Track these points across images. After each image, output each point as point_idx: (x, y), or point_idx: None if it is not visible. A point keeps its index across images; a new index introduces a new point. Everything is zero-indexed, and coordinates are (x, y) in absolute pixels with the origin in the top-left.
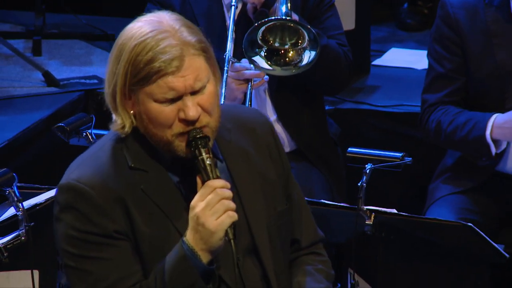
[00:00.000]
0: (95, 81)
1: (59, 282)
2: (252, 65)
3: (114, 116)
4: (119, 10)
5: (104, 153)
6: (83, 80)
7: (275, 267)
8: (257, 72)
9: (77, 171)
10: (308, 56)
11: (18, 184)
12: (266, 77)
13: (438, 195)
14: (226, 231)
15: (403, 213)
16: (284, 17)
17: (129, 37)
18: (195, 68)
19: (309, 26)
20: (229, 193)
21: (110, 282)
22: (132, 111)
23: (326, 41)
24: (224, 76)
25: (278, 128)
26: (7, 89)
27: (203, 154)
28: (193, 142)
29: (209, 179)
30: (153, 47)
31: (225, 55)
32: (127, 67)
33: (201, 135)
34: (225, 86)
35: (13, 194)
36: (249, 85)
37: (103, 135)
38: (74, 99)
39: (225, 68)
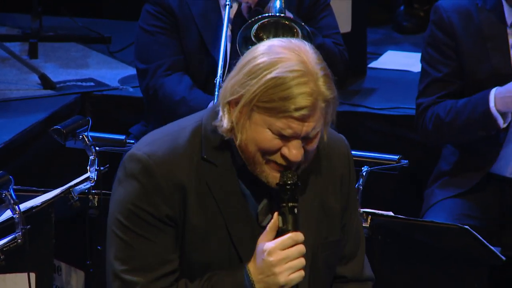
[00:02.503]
0: (92, 83)
1: (55, 285)
2: None
3: (219, 111)
4: (116, 13)
5: (182, 136)
6: (79, 83)
7: None
8: None
9: (151, 146)
10: None
11: (15, 187)
12: None
13: (433, 201)
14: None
15: (400, 216)
16: (278, 14)
17: (273, 62)
18: (317, 119)
19: (302, 23)
20: (304, 250)
21: (145, 263)
22: (236, 121)
23: (322, 40)
24: (215, 100)
25: None
26: (4, 91)
27: (293, 202)
28: (289, 187)
29: (289, 228)
30: (293, 88)
31: (216, 80)
32: (258, 92)
33: (296, 181)
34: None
35: (9, 197)
36: None
37: (100, 137)
38: (71, 101)
39: (216, 93)
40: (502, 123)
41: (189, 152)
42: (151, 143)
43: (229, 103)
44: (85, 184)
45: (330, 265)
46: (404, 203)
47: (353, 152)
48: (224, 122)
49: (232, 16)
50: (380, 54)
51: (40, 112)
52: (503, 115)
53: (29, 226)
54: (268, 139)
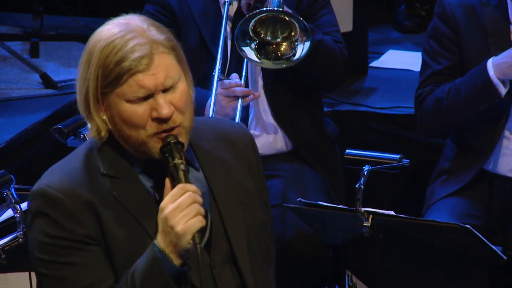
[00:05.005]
0: None
1: None
2: (242, 81)
3: (88, 124)
4: (116, 12)
5: (76, 160)
6: None
7: (255, 278)
8: (247, 89)
9: (48, 177)
10: (301, 49)
11: (16, 186)
12: (257, 92)
13: (434, 199)
14: (194, 235)
15: (401, 215)
16: (276, 8)
17: (97, 40)
18: (165, 66)
19: (300, 18)
20: (200, 199)
21: (83, 286)
22: (105, 117)
23: (321, 37)
24: (213, 94)
25: (275, 127)
26: (5, 91)
27: (177, 159)
28: (168, 147)
29: (181, 183)
30: (122, 47)
31: (214, 73)
32: (97, 70)
33: (175, 140)
34: (215, 103)
35: (10, 196)
36: (240, 100)
37: None
38: (72, 101)
39: (213, 87)
40: (503, 91)
41: (87, 173)
42: (47, 176)
43: (87, 109)
44: None
45: (265, 247)
46: (405, 203)
47: (354, 151)
48: (93, 126)
49: (232, 14)
50: (381, 54)
51: (41, 111)
52: (503, 82)
53: None
54: (132, 111)
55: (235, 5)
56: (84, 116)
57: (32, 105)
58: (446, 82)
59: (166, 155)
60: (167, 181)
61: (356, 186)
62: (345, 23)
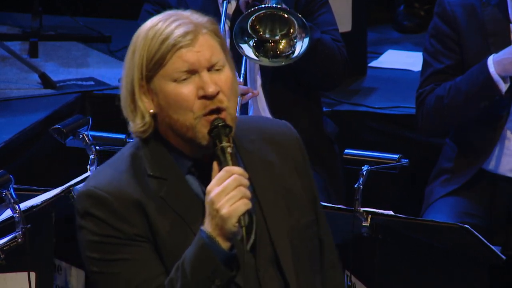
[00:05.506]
0: (92, 82)
1: (56, 284)
2: (240, 79)
3: (131, 123)
4: (116, 12)
5: (122, 162)
6: (79, 82)
7: (299, 280)
8: (246, 87)
9: (95, 179)
10: (300, 47)
11: (15, 186)
12: (256, 90)
13: (433, 198)
14: (239, 217)
15: (400, 215)
16: (274, 5)
17: (141, 30)
18: (210, 45)
19: (299, 15)
20: (246, 182)
21: (140, 280)
22: (151, 110)
23: (320, 35)
24: None
25: None
26: (4, 91)
27: (224, 142)
28: (215, 130)
29: (228, 165)
30: (167, 27)
31: None
32: (143, 54)
33: (223, 123)
34: None
35: (9, 196)
36: (239, 98)
37: (100, 137)
38: (71, 101)
39: None
40: (504, 87)
41: (134, 174)
42: (94, 177)
43: (132, 102)
44: None
45: (313, 248)
46: (404, 202)
47: (353, 151)
48: (138, 119)
49: (230, 12)
50: (381, 54)
51: (40, 111)
52: (504, 79)
53: (29, 225)
54: (178, 92)
55: (233, 3)
56: (128, 111)
57: (31, 105)
58: (447, 81)
59: (214, 138)
60: (215, 165)
61: (355, 186)
62: (344, 23)
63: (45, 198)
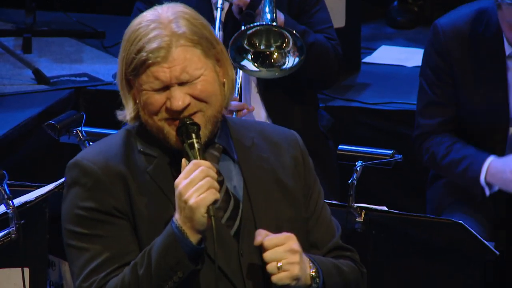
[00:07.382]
0: (85, 78)
1: (49, 280)
2: (236, 95)
3: (126, 107)
4: (109, 8)
5: (114, 137)
6: (73, 78)
7: None
8: (241, 103)
9: (84, 151)
10: (292, 61)
11: (8, 182)
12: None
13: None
14: (208, 207)
15: (394, 211)
16: (269, 23)
17: (131, 25)
18: (183, 59)
19: (295, 32)
20: (214, 174)
21: (104, 258)
22: (137, 100)
23: (314, 38)
24: None
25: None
26: None
27: (193, 138)
28: (183, 127)
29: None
30: (143, 36)
31: None
32: (124, 56)
33: (190, 121)
34: None
35: (3, 192)
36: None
37: (94, 132)
38: (65, 96)
39: None
40: (488, 193)
41: (124, 148)
42: (84, 150)
43: (121, 89)
44: None
45: (300, 242)
46: (397, 198)
47: (347, 147)
48: (128, 108)
49: (223, 18)
50: (374, 49)
51: (34, 107)
52: (490, 185)
53: (23, 221)
54: (150, 98)
55: (225, 8)
56: (122, 99)
57: (24, 101)
58: (444, 115)
59: (181, 135)
60: (183, 162)
61: (349, 181)
62: (338, 19)
63: (38, 194)
